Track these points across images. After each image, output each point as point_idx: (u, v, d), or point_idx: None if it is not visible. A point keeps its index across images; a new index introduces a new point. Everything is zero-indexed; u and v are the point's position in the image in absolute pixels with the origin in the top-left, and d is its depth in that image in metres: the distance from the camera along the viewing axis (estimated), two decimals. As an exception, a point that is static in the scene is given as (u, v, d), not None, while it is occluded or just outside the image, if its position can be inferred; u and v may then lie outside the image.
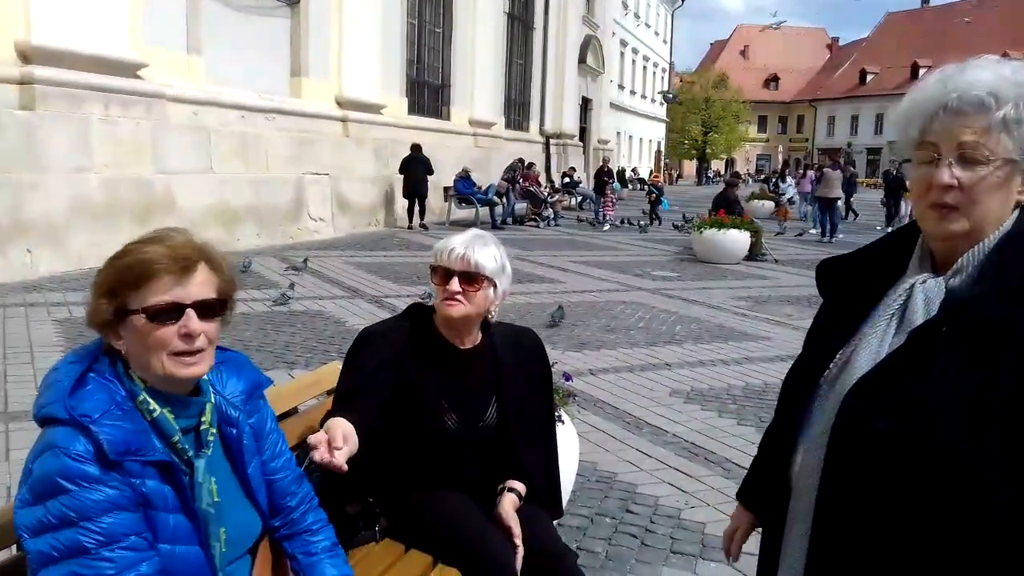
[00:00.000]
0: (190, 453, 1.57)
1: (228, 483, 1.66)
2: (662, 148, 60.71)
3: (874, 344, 1.29)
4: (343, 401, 2.22)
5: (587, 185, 26.25)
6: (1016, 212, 1.26)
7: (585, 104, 34.70)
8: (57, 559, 1.39)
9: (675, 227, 19.84)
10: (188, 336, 1.51)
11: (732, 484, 4.28)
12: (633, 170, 44.09)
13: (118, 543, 1.42)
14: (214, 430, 1.63)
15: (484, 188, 19.04)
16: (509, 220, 19.67)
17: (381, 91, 16.61)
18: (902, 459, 1.17)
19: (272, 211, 13.29)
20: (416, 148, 16.65)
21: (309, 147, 14.24)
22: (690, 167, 74.38)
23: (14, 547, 1.55)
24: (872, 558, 1.22)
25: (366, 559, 2.29)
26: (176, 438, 1.55)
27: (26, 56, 9.15)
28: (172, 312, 1.50)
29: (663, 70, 59.19)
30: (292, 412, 2.56)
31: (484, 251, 2.30)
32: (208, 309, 1.55)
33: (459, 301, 2.26)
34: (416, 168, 16.44)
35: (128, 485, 1.45)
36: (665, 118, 60.61)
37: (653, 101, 55.82)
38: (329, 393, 2.76)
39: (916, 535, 1.18)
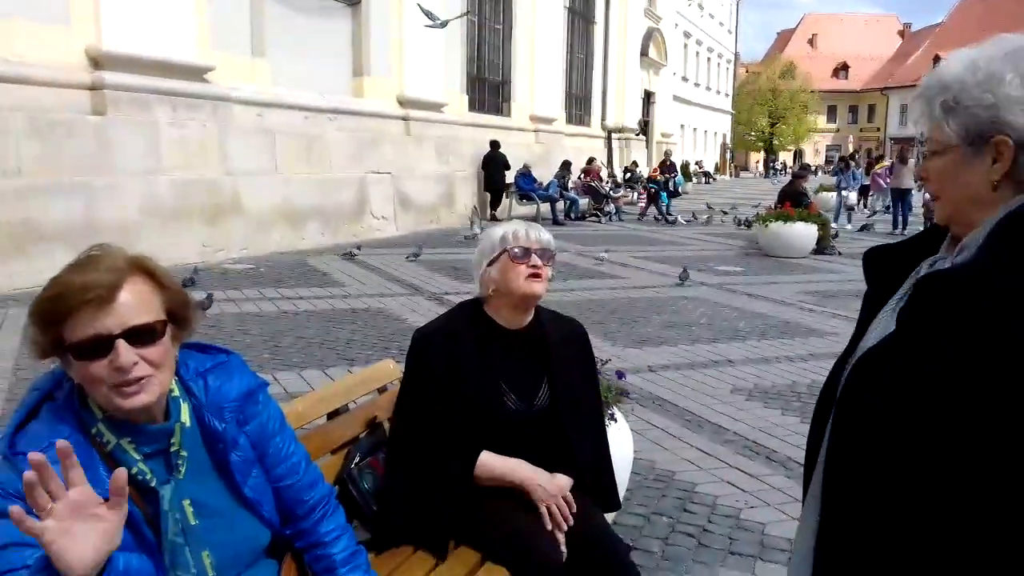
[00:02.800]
0: (153, 482, 1.48)
1: (221, 498, 1.60)
2: (727, 140, 59.78)
3: (881, 326, 1.34)
4: (429, 408, 2.28)
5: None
6: (1013, 190, 1.24)
7: (647, 97, 34.38)
8: None
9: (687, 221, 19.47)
10: (120, 370, 1.40)
11: (794, 484, 4.17)
12: (697, 163, 43.54)
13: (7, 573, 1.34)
14: (185, 453, 1.54)
15: (545, 184, 18.99)
16: (572, 216, 19.59)
17: (442, 89, 16.70)
18: (889, 432, 1.21)
19: (336, 210, 13.48)
20: (495, 145, 18.00)
21: (371, 146, 14.40)
22: (756, 159, 73.06)
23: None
24: (871, 529, 1.25)
25: (414, 556, 2.28)
26: (135, 469, 1.46)
27: (97, 62, 9.45)
28: (98, 346, 1.39)
29: (728, 61, 58.29)
30: (343, 410, 2.57)
31: (546, 233, 2.45)
32: (144, 334, 1.44)
33: (541, 277, 2.35)
34: (495, 164, 17.82)
35: None
36: (730, 110, 59.65)
37: (718, 93, 55.02)
38: (380, 391, 2.78)
39: (906, 507, 1.21)
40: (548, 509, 2.27)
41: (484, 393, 2.33)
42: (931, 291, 1.23)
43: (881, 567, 1.25)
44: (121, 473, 1.28)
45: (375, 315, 7.91)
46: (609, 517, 2.61)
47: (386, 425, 2.61)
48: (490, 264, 2.39)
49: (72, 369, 1.44)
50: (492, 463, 2.30)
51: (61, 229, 8.80)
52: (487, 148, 18.27)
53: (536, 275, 2.34)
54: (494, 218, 17.55)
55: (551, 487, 2.30)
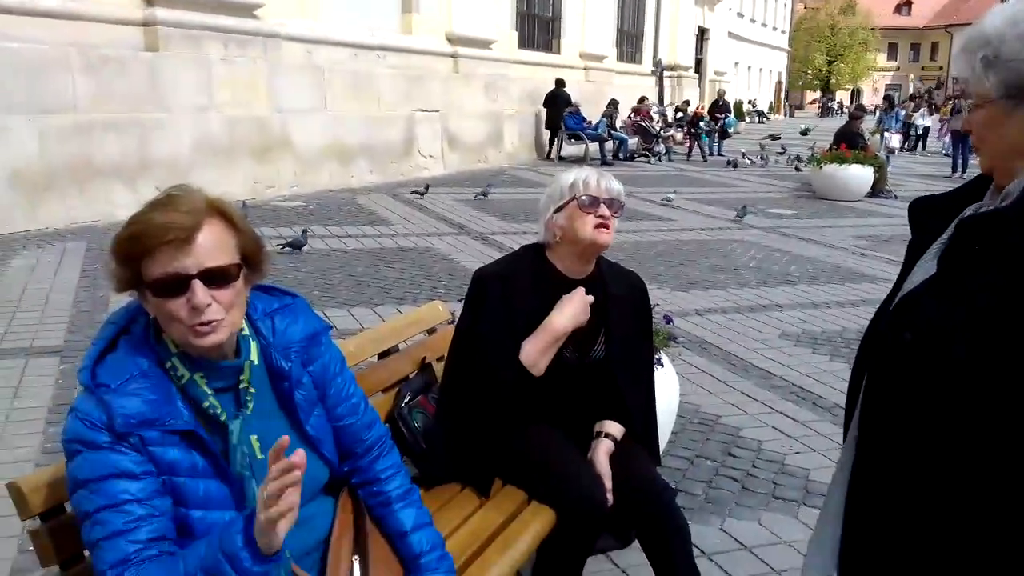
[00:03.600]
0: (223, 417, 1.54)
1: (285, 435, 1.65)
2: (783, 79, 58.20)
3: (923, 270, 1.36)
4: (488, 344, 2.28)
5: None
6: None
7: (701, 34, 33.50)
8: (79, 519, 1.45)
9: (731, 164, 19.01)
10: (195, 309, 1.44)
11: (840, 430, 4.14)
12: (751, 102, 42.51)
13: (113, 507, 1.41)
14: (253, 390, 1.59)
15: (595, 123, 18.73)
16: (621, 156, 19.37)
17: (491, 26, 16.45)
18: (922, 368, 1.24)
19: (384, 148, 13.49)
20: (560, 83, 17.94)
21: (419, 84, 14.31)
22: (812, 98, 71.10)
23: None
24: (902, 463, 1.29)
25: (462, 493, 2.34)
26: (206, 404, 1.52)
27: (149, -1, 9.48)
28: (176, 285, 1.44)
29: (786, -4, 56.43)
30: (394, 350, 2.62)
31: (617, 182, 2.41)
32: (219, 276, 1.47)
33: (610, 228, 2.33)
34: (558, 103, 17.67)
35: (143, 453, 1.45)
36: (787, 47, 57.93)
37: (774, 30, 53.40)
38: (430, 332, 2.82)
39: (936, 443, 1.24)
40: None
41: None
42: (972, 231, 1.27)
43: (913, 506, 1.28)
44: (283, 441, 1.33)
45: (422, 254, 7.97)
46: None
47: (435, 366, 2.65)
48: (558, 210, 2.36)
49: (150, 305, 1.48)
50: (530, 347, 2.28)
51: (116, 164, 8.97)
52: (536, 86, 18.09)
53: (604, 225, 2.32)
54: (561, 158, 17.82)
55: (575, 308, 2.31)
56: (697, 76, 32.32)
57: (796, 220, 11.27)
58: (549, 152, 18.33)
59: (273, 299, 1.74)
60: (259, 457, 1.57)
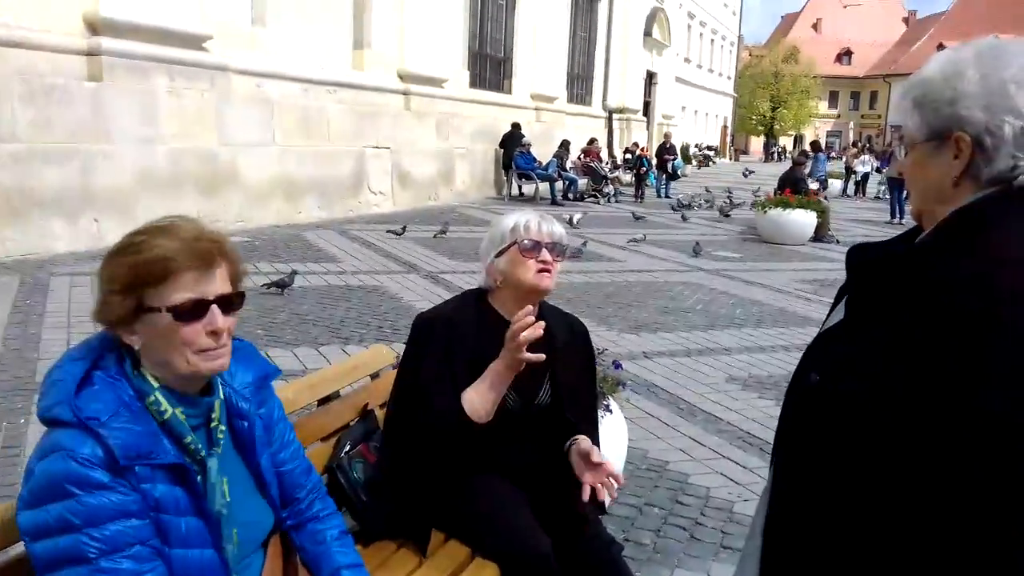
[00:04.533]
0: (203, 453, 1.53)
1: (239, 480, 1.63)
2: (728, 123, 59.53)
3: (839, 312, 1.39)
4: (428, 391, 2.19)
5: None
6: (973, 187, 1.25)
7: (650, 78, 34.13)
8: (58, 565, 1.35)
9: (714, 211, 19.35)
10: (215, 334, 1.48)
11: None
12: (697, 145, 43.33)
13: (120, 552, 1.37)
14: (223, 427, 1.59)
15: (545, 164, 18.87)
16: (571, 196, 19.52)
17: (443, 64, 16.51)
18: (827, 409, 1.26)
19: (334, 184, 13.37)
20: (515, 126, 18.57)
21: (370, 120, 14.26)
22: (757, 144, 72.77)
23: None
24: (811, 507, 1.30)
25: (402, 550, 2.25)
26: (189, 439, 1.51)
27: (94, 27, 9.27)
28: (197, 310, 1.46)
29: (732, 43, 57.90)
30: (334, 396, 2.53)
31: (559, 225, 2.36)
32: (228, 303, 1.52)
33: (551, 272, 2.29)
34: (513, 144, 18.25)
35: (137, 491, 1.41)
36: (733, 93, 59.35)
37: (721, 75, 54.71)
38: (372, 377, 2.73)
39: (845, 482, 1.24)
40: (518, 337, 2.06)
41: None
42: (863, 269, 1.34)
43: (822, 544, 1.29)
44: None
45: (370, 293, 7.86)
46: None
47: (378, 413, 2.57)
48: (498, 255, 2.31)
49: (153, 332, 1.45)
50: (471, 394, 2.16)
51: (57, 195, 8.71)
52: (488, 124, 18.27)
53: (546, 270, 2.27)
54: (510, 196, 18.43)
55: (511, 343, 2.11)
56: (645, 119, 32.84)
57: (741, 263, 11.42)
58: (508, 191, 18.62)
59: None
60: (227, 499, 1.56)
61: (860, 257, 1.44)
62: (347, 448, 2.37)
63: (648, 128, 33.06)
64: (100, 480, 1.36)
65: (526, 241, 2.27)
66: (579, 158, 21.02)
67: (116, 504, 1.37)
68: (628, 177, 22.93)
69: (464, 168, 17.62)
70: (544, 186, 18.61)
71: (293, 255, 9.57)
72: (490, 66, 19.84)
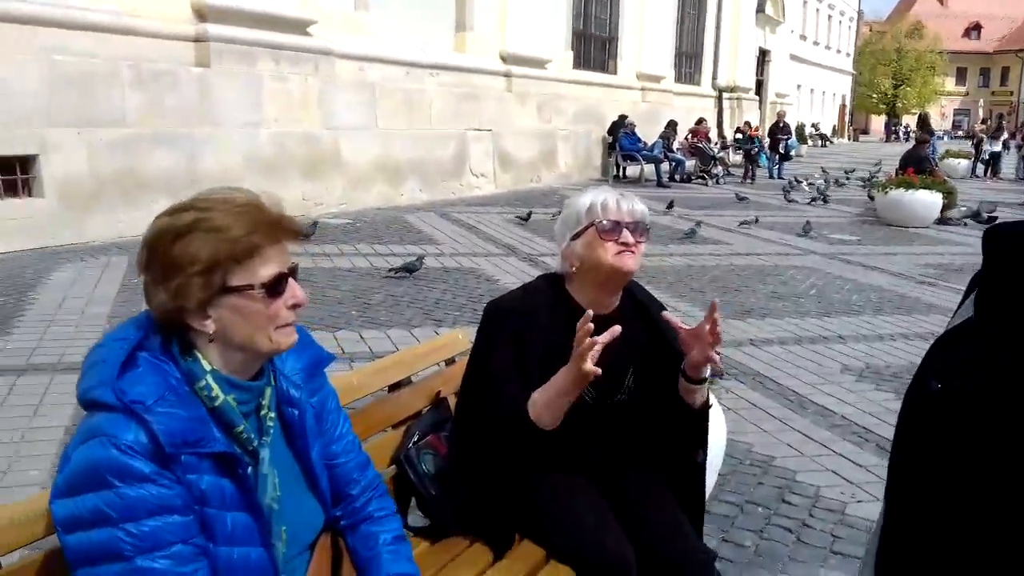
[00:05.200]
0: (255, 443, 1.40)
1: (289, 473, 1.48)
2: (847, 102, 57.05)
3: (966, 310, 1.21)
4: (496, 385, 2.00)
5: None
6: None
7: (762, 56, 32.94)
8: (92, 561, 1.22)
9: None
10: (296, 306, 1.40)
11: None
12: (813, 125, 41.65)
13: (160, 551, 1.23)
14: (273, 415, 1.45)
15: (650, 144, 18.41)
16: (678, 178, 19.02)
17: (546, 45, 16.28)
18: (950, 418, 1.11)
19: (435, 166, 13.35)
20: (622, 118, 18.13)
21: (472, 102, 14.18)
22: (878, 123, 69.53)
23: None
24: (926, 520, 1.16)
25: (473, 547, 2.06)
26: (240, 428, 1.38)
27: (201, 14, 9.48)
28: (282, 283, 1.37)
29: (850, 19, 55.37)
30: (406, 382, 2.36)
31: (640, 203, 2.12)
32: (294, 273, 1.43)
33: (634, 253, 2.06)
34: (621, 131, 18.01)
35: (182, 483, 1.28)
36: (851, 70, 56.81)
37: (839, 52, 52.41)
38: (447, 362, 2.56)
39: (970, 496, 1.10)
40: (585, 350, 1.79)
41: None
42: (1000, 256, 1.13)
43: (937, 557, 1.15)
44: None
45: (467, 274, 7.74)
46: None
47: (451, 401, 2.39)
48: (574, 238, 2.08)
49: (237, 312, 1.34)
50: (538, 400, 1.93)
51: (164, 179, 8.92)
52: (591, 106, 18.02)
53: (628, 250, 2.04)
54: (615, 178, 17.96)
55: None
56: (757, 98, 31.74)
57: (859, 246, 10.79)
58: (616, 174, 18.27)
59: None
60: (277, 493, 1.43)
61: (1000, 242, 1.20)
62: (416, 438, 2.19)
63: (760, 107, 31.93)
64: (142, 471, 1.23)
65: (604, 222, 2.04)
66: (686, 138, 20.43)
67: (157, 498, 1.24)
68: (738, 158, 22.18)
69: (567, 150, 17.36)
70: (649, 168, 18.16)
71: (393, 237, 9.56)
72: (594, 46, 19.45)
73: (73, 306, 6.05)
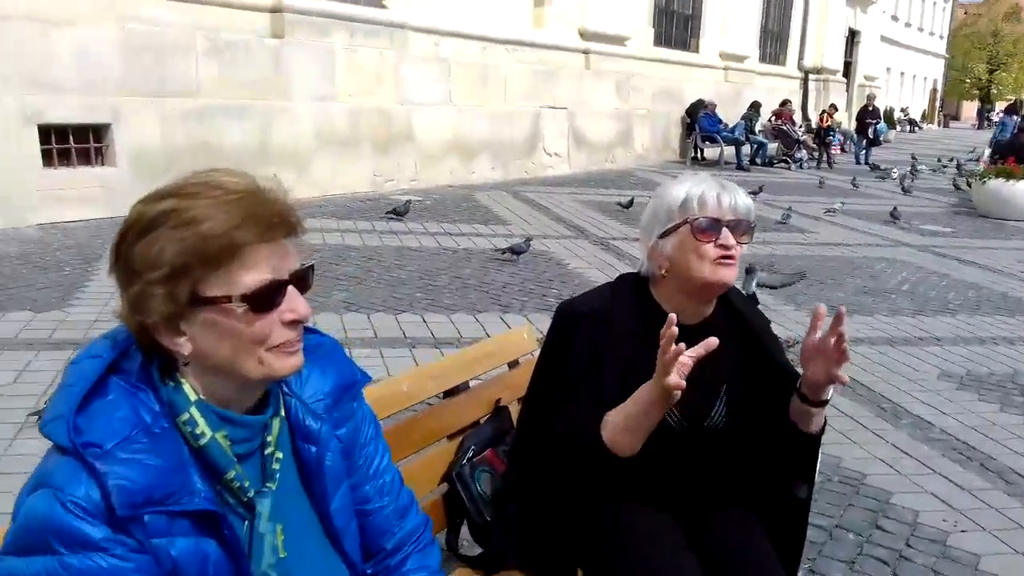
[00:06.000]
0: (250, 494, 1.11)
1: (302, 526, 1.19)
2: (938, 87, 54.68)
3: None
4: (566, 403, 1.72)
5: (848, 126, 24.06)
6: None
7: (852, 37, 31.62)
8: None
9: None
10: (295, 323, 1.09)
11: (1017, 504, 3.39)
12: (902, 110, 39.98)
13: None
14: (280, 455, 1.16)
15: (731, 126, 17.79)
16: (759, 161, 18.37)
17: (626, 21, 15.79)
18: None
19: (508, 145, 13.08)
20: (700, 102, 17.49)
21: (548, 80, 13.84)
22: (970, 109, 66.56)
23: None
24: None
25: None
26: (232, 474, 1.09)
27: (279, -16, 9.37)
28: (274, 294, 1.07)
29: (945, 0, 52.91)
30: (462, 388, 2.10)
31: (744, 195, 1.78)
32: (303, 279, 1.12)
33: (733, 261, 1.73)
34: (701, 112, 17.46)
35: (145, 550, 1.01)
36: (944, 54, 54.37)
37: (931, 35, 50.17)
38: (511, 365, 2.29)
39: None
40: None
41: None
42: None
43: None
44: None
45: (536, 257, 7.45)
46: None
47: (513, 410, 2.13)
48: (663, 235, 1.77)
49: (214, 329, 1.05)
50: (613, 421, 1.64)
51: (235, 151, 8.85)
52: (671, 85, 17.50)
53: (727, 256, 1.72)
54: (693, 159, 17.55)
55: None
56: (845, 81, 30.51)
57: (954, 239, 10.15)
58: (693, 155, 17.80)
59: None
60: (281, 555, 1.13)
61: None
62: (471, 453, 1.94)
63: (848, 90, 30.69)
64: (89, 538, 0.97)
65: (701, 220, 1.71)
66: (770, 120, 19.70)
67: (109, 572, 0.98)
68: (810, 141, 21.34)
69: (644, 130, 16.88)
70: (729, 150, 17.56)
71: (461, 216, 9.34)
72: (676, 23, 18.82)
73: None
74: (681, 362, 1.48)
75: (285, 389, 1.21)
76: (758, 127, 18.82)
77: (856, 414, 4.24)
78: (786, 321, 5.86)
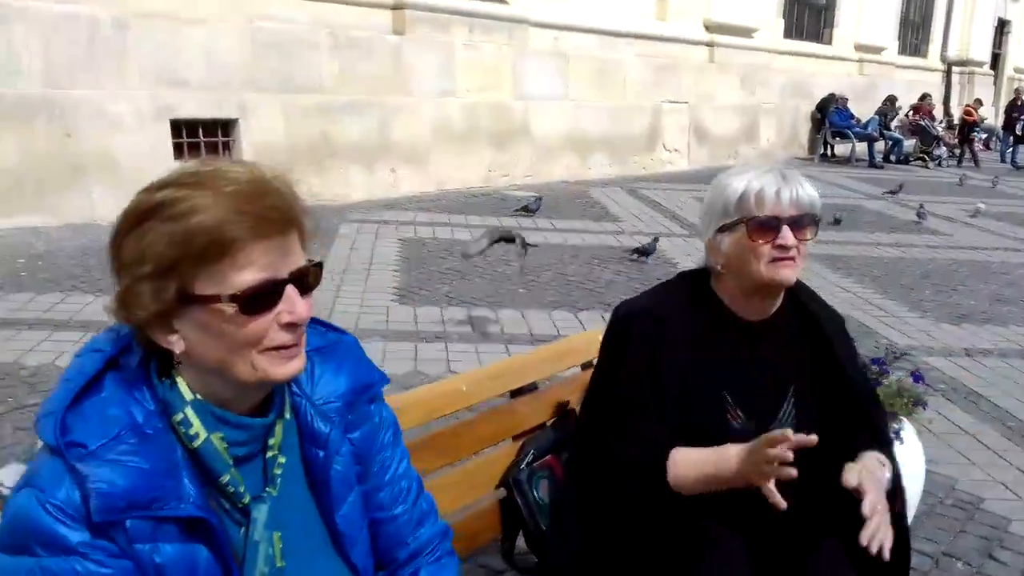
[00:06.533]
0: (245, 499, 1.08)
1: (307, 534, 1.15)
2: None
3: None
4: (625, 416, 1.66)
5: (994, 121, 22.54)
6: None
7: (1001, 27, 29.61)
8: None
9: None
10: (292, 326, 1.04)
11: None
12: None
13: None
14: (283, 459, 1.12)
15: (864, 121, 16.98)
16: (893, 158, 17.46)
17: (754, 12, 15.28)
18: None
19: (626, 140, 12.90)
20: (831, 96, 16.93)
21: (669, 73, 13.55)
22: None
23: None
24: None
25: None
26: (226, 478, 1.06)
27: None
28: (270, 294, 1.02)
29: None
30: (531, 388, 2.06)
31: (809, 185, 1.67)
32: (305, 278, 1.06)
33: (795, 259, 1.64)
34: (832, 106, 16.87)
35: (127, 555, 0.98)
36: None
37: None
38: (584, 367, 2.22)
39: None
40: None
41: (698, 406, 1.66)
42: None
43: None
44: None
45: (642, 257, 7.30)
46: None
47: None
48: (721, 230, 1.68)
49: (206, 329, 1.02)
50: (684, 462, 1.60)
51: (355, 146, 9.09)
52: (801, 79, 16.92)
53: (787, 257, 1.62)
54: (822, 156, 16.88)
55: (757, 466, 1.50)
56: (992, 73, 28.63)
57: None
58: (823, 152, 17.13)
59: (314, 333, 1.22)
60: (278, 564, 1.10)
61: None
62: (531, 458, 1.89)
63: (995, 84, 28.79)
64: (67, 542, 0.95)
65: (758, 219, 1.62)
66: (907, 115, 18.68)
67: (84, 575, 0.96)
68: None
69: (770, 125, 16.31)
70: (861, 147, 16.76)
71: (573, 212, 9.27)
72: (808, 14, 18.09)
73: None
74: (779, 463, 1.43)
75: (295, 389, 1.17)
76: (894, 123, 17.89)
77: (977, 432, 3.94)
78: (908, 328, 5.53)
